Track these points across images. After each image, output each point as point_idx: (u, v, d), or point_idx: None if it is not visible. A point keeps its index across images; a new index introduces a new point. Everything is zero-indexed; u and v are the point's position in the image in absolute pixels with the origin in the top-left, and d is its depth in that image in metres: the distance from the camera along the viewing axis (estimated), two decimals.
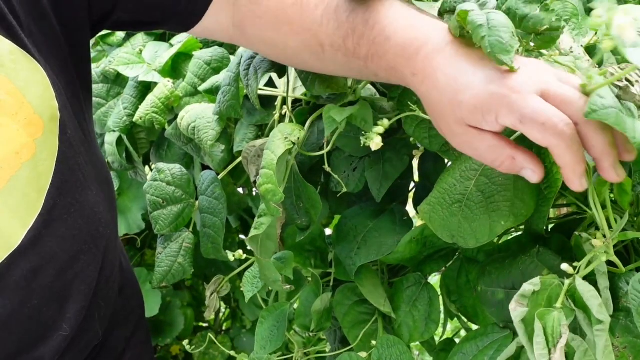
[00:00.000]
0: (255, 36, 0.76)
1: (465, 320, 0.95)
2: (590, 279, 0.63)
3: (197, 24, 0.76)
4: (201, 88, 1.08)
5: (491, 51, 0.56)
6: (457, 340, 1.16)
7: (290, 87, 0.93)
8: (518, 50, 0.59)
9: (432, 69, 0.60)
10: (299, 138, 0.77)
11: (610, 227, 0.61)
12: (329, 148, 0.82)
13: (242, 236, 1.78)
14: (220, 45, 1.15)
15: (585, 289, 0.59)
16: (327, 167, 0.85)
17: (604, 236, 0.61)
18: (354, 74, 0.75)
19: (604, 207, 0.61)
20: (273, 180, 0.73)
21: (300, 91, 0.93)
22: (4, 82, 0.62)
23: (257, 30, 0.75)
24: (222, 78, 1.02)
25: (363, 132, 0.74)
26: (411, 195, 0.99)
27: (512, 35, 0.57)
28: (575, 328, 0.64)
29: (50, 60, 0.67)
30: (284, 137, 0.76)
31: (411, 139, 0.91)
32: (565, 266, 0.61)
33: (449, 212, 0.71)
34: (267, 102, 0.97)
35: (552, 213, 0.99)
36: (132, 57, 1.24)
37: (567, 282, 0.60)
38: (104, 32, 1.40)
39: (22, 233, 0.64)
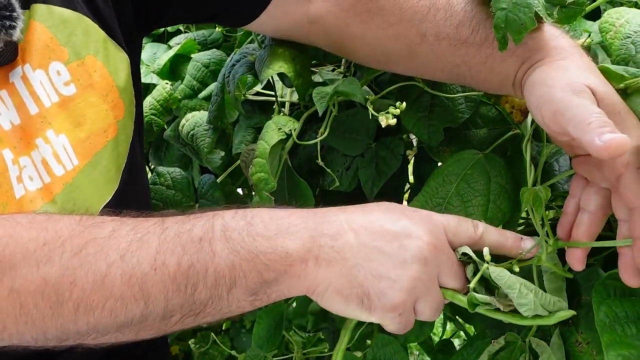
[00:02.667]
0: (337, 31, 0.74)
1: (462, 321, 0.96)
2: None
3: (258, 17, 0.75)
4: (201, 95, 1.09)
5: (505, 26, 0.59)
6: (454, 341, 1.17)
7: (288, 90, 0.94)
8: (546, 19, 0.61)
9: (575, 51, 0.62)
10: (292, 130, 0.78)
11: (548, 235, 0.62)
12: (324, 136, 0.82)
13: None
14: (218, 47, 1.16)
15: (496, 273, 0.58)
16: (320, 162, 0.85)
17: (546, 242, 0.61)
18: (446, 67, 0.71)
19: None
20: (265, 169, 0.74)
21: (297, 95, 0.94)
22: (99, 66, 0.68)
23: (341, 23, 0.73)
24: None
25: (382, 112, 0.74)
26: (406, 197, 1.00)
27: (531, 18, 0.59)
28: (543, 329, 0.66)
29: (128, 49, 0.72)
30: (278, 127, 0.78)
31: (407, 136, 0.91)
32: (486, 250, 0.60)
33: None
34: (266, 105, 0.98)
35: None
36: None
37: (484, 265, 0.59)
38: None
39: (99, 206, 0.68)
